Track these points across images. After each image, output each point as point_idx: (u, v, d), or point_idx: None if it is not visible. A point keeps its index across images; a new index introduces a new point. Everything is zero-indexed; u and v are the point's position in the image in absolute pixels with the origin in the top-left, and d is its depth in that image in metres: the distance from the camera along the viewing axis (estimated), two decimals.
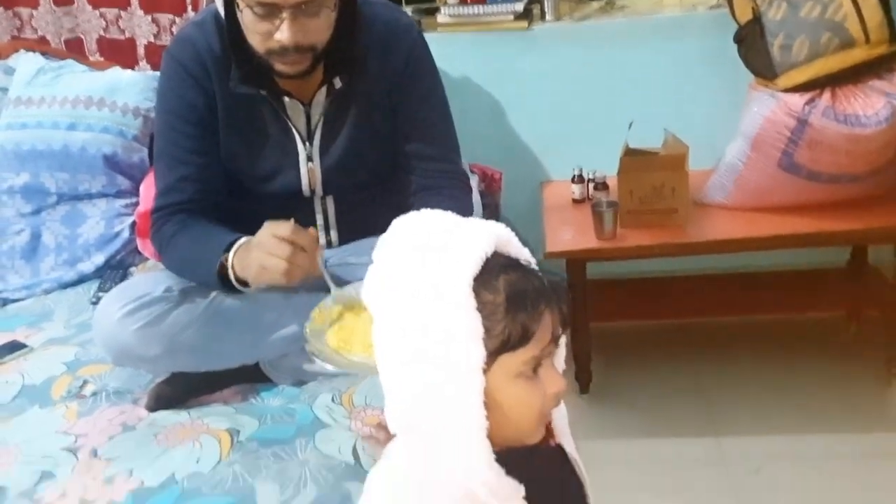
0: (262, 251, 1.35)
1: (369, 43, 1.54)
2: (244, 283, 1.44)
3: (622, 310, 2.49)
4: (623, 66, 2.50)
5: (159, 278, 1.52)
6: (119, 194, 2.12)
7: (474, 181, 2.37)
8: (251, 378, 1.60)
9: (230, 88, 1.50)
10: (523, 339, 0.83)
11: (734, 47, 2.32)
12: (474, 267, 0.82)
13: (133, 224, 2.11)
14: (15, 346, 1.78)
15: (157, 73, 2.19)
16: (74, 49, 2.54)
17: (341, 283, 1.48)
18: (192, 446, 1.39)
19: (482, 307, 0.81)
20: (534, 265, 0.89)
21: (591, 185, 2.44)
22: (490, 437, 0.83)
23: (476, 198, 2.26)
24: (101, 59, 2.53)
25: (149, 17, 2.46)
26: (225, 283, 1.43)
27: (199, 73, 1.51)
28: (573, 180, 2.46)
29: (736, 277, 2.52)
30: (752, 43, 2.24)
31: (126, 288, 1.51)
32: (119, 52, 2.52)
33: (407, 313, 0.82)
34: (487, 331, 0.81)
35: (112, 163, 2.10)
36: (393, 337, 0.83)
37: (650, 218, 2.23)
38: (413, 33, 1.59)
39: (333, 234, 1.67)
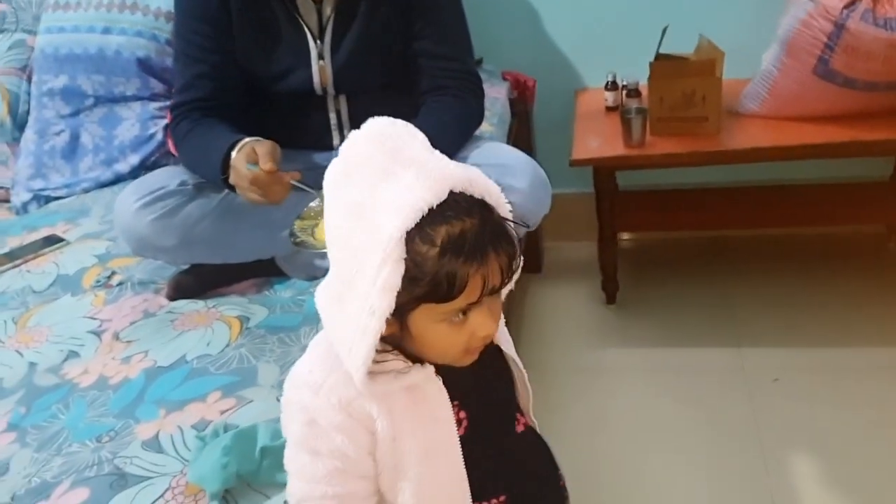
0: (239, 185, 1.41)
1: None
2: None
3: (652, 221, 2.47)
4: None
5: (175, 172, 1.58)
6: (153, 97, 2.18)
7: (504, 88, 2.36)
8: (267, 272, 1.66)
9: None
10: (447, 294, 0.82)
11: None
12: (409, 220, 0.80)
13: (166, 126, 2.16)
14: (53, 240, 1.88)
15: None
16: None
17: None
18: (204, 331, 1.47)
19: (412, 256, 0.80)
20: (502, 204, 0.87)
21: (623, 92, 2.40)
22: (414, 352, 0.87)
23: (505, 104, 2.26)
24: None
25: None
26: (228, 184, 1.48)
27: None
28: (606, 87, 2.43)
29: (770, 189, 2.47)
30: None
31: (143, 181, 1.58)
32: None
33: (348, 231, 0.83)
34: (414, 280, 0.80)
35: (145, 66, 2.15)
36: (336, 237, 0.85)
37: (680, 126, 2.19)
38: None
39: (347, 134, 1.69)
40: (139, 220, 1.50)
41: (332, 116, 1.67)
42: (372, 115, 1.64)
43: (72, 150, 2.15)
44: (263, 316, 1.51)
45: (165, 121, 2.17)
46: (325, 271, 1.60)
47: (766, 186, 2.49)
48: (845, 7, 2.03)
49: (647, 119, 2.18)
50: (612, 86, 2.42)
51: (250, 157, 1.39)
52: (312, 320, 1.47)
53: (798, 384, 2.03)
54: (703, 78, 2.14)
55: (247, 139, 1.46)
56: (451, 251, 0.80)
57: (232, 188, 1.47)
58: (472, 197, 0.85)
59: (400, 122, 0.90)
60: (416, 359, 0.90)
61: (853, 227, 2.56)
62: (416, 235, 0.80)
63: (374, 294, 0.80)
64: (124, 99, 2.16)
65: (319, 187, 1.53)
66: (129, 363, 1.42)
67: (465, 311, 0.85)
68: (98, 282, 1.69)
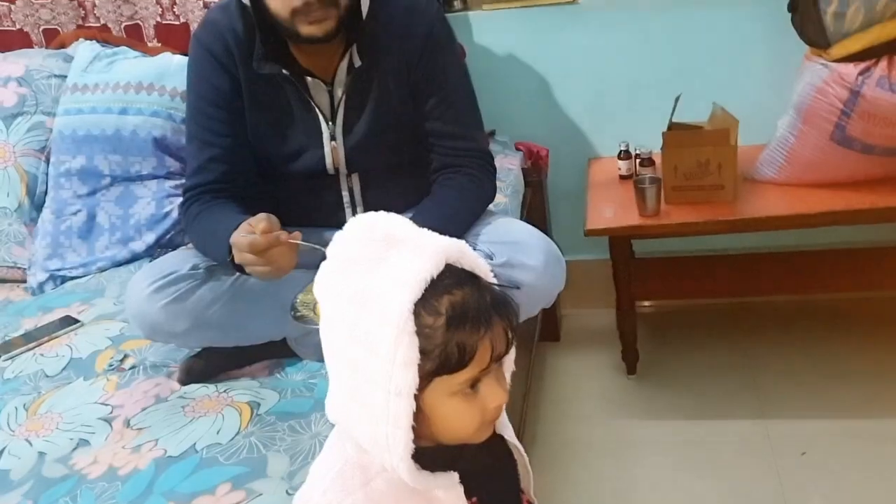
0: (243, 260, 1.39)
1: (389, 20, 1.55)
2: None
3: (670, 289, 2.44)
4: (671, 38, 2.45)
5: (186, 256, 1.57)
6: (168, 175, 2.19)
7: (518, 159, 2.36)
8: (279, 353, 1.64)
9: (254, 69, 1.54)
10: (459, 363, 0.83)
11: (788, 16, 2.23)
12: (416, 292, 0.81)
13: (182, 204, 2.17)
14: (68, 322, 1.88)
15: None
16: (134, 35, 2.63)
17: None
18: (215, 418, 1.45)
19: (420, 330, 0.81)
20: (489, 276, 0.88)
21: (637, 161, 2.40)
22: (426, 437, 0.86)
23: (518, 175, 2.26)
24: (159, 44, 2.62)
25: (201, 2, 2.52)
26: (236, 264, 1.47)
27: (224, 55, 1.55)
28: (619, 156, 2.42)
29: (789, 255, 2.44)
30: (805, 11, 2.15)
31: (155, 265, 1.57)
32: (175, 37, 2.59)
33: (352, 321, 0.83)
34: (424, 353, 0.81)
35: (162, 145, 2.17)
36: (337, 337, 0.85)
37: (695, 194, 2.18)
38: (432, 11, 1.59)
39: (360, 212, 1.69)
40: (151, 304, 1.49)
41: (345, 195, 1.67)
42: (384, 192, 1.68)
43: (88, 229, 2.16)
44: (274, 401, 1.48)
45: (180, 199, 2.18)
46: None
47: (784, 252, 2.46)
48: (860, 73, 2.02)
49: (662, 188, 2.17)
50: (626, 155, 2.41)
51: (246, 229, 1.39)
52: (323, 405, 1.43)
53: (826, 456, 1.97)
54: (717, 147, 2.13)
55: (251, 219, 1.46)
56: (457, 320, 0.83)
57: (241, 269, 1.46)
58: (462, 269, 0.87)
59: (382, 212, 0.91)
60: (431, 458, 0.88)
61: (873, 293, 2.51)
62: (421, 308, 0.82)
63: (396, 373, 0.81)
64: (140, 178, 2.18)
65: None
66: (139, 452, 1.39)
67: (474, 384, 0.86)
68: (111, 365, 1.68)
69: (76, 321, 1.88)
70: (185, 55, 2.40)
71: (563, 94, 2.58)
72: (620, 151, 2.42)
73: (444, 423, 0.87)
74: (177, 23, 2.60)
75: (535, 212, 2.43)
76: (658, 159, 2.30)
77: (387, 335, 0.81)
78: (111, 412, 1.53)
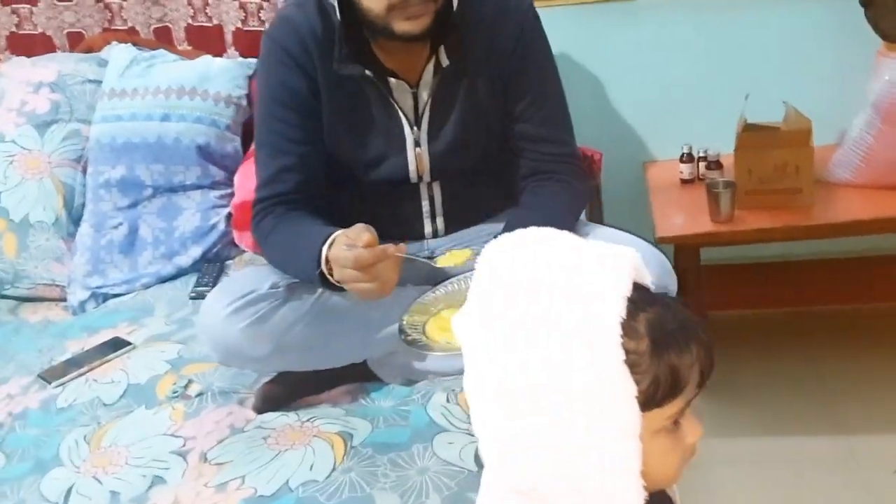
0: (345, 277, 1.27)
1: (479, 18, 1.44)
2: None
3: (741, 298, 2.33)
4: (733, 35, 2.34)
5: (264, 274, 1.45)
6: (213, 185, 2.07)
7: None
8: (359, 377, 1.53)
9: (334, 70, 1.42)
10: (673, 390, 0.72)
11: (858, 10, 2.14)
12: (620, 311, 0.70)
13: (229, 216, 2.05)
14: (119, 344, 1.75)
15: (249, 61, 2.18)
16: (162, 38, 2.50)
17: (443, 275, 1.40)
18: (304, 451, 1.33)
19: (626, 359, 0.70)
20: (670, 291, 0.78)
21: (701, 164, 2.29)
22: None
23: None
24: (189, 47, 2.49)
25: (236, 3, 2.40)
26: (325, 281, 1.35)
27: (301, 55, 1.43)
28: (682, 159, 2.31)
29: (861, 261, 2.33)
30: (881, 4, 2.05)
31: (231, 284, 1.45)
32: (207, 40, 2.47)
33: (535, 353, 0.71)
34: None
35: (206, 153, 2.05)
36: (506, 373, 0.72)
37: (771, 199, 2.07)
38: (525, 8, 1.48)
39: (440, 222, 1.58)
40: (230, 327, 1.37)
41: (425, 204, 1.56)
42: (467, 201, 1.56)
43: (130, 243, 2.03)
44: (367, 431, 1.36)
45: (227, 210, 2.07)
46: (424, 375, 1.49)
47: (855, 258, 2.36)
48: None
49: (736, 192, 2.06)
50: (688, 158, 2.30)
51: (345, 243, 1.26)
52: (423, 436, 1.32)
53: None
54: (795, 148, 2.03)
55: (338, 231, 1.34)
56: (663, 342, 0.72)
57: (328, 285, 1.34)
58: (642, 283, 0.76)
59: (532, 227, 0.80)
60: None
61: None
62: (623, 335, 0.70)
63: (616, 411, 0.69)
64: (183, 188, 2.06)
65: (417, 283, 1.43)
66: (226, 491, 1.27)
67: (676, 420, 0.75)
68: (175, 392, 1.55)
69: (127, 343, 1.76)
70: (222, 57, 2.31)
71: (616, 96, 2.47)
72: (683, 154, 2.31)
73: (650, 468, 0.74)
74: (209, 24, 2.47)
75: (590, 218, 2.31)
76: (727, 162, 2.20)
77: (596, 366, 0.69)
78: (183, 445, 1.41)
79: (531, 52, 1.49)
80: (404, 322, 1.24)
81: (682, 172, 2.32)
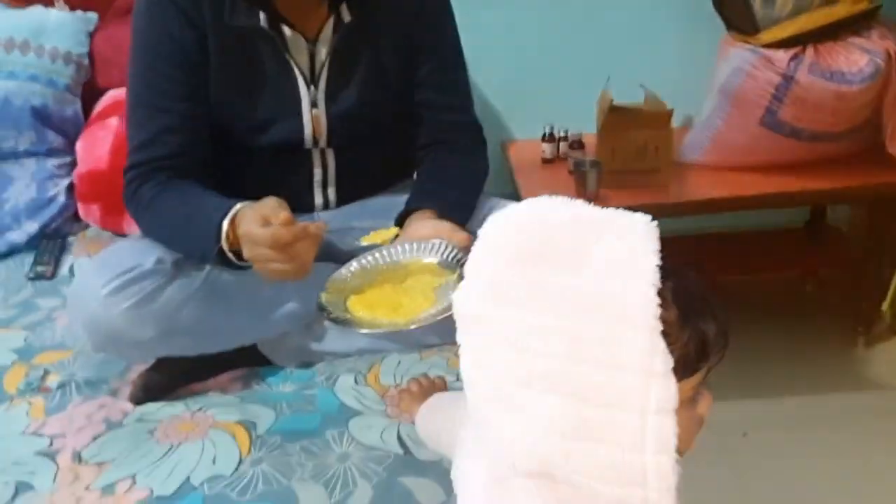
0: (258, 256, 1.13)
1: None
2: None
3: None
4: (589, 17, 2.39)
5: (146, 248, 1.28)
6: (50, 153, 1.84)
7: None
8: (249, 361, 1.40)
9: (224, 21, 1.28)
10: (699, 360, 0.70)
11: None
12: (654, 281, 0.65)
13: (70, 186, 1.83)
14: None
15: (88, 15, 1.95)
16: None
17: (343, 252, 1.31)
18: (202, 444, 1.19)
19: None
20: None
21: (562, 144, 2.32)
22: None
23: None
24: None
25: None
26: (222, 257, 1.21)
27: (189, 3, 1.28)
28: (543, 139, 2.33)
29: (696, 238, 2.47)
30: None
31: (108, 259, 1.27)
32: None
33: (563, 332, 0.66)
34: None
35: (42, 116, 1.81)
36: (526, 357, 0.67)
37: (633, 178, 2.14)
38: None
39: (332, 193, 1.48)
40: (110, 309, 1.20)
41: (317, 172, 1.44)
42: (361, 170, 1.47)
43: None
44: (271, 419, 1.25)
45: (68, 180, 1.84)
46: (321, 356, 1.39)
47: (691, 236, 2.48)
48: (791, 59, 2.06)
49: (601, 172, 2.10)
50: (550, 138, 2.33)
51: (257, 220, 1.14)
52: (336, 421, 1.23)
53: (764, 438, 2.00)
54: (657, 130, 2.10)
55: (240, 204, 1.21)
56: (690, 310, 0.69)
57: (228, 264, 1.21)
58: None
59: (543, 196, 0.74)
60: None
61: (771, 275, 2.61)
62: None
63: (654, 386, 0.64)
64: (14, 155, 1.81)
65: None
66: (114, 494, 1.11)
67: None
68: (28, 385, 1.35)
69: None
70: (54, 7, 2.04)
71: (474, 76, 2.43)
72: (544, 134, 2.33)
73: None
74: None
75: None
76: (588, 142, 2.24)
77: (637, 341, 0.65)
78: (50, 444, 1.23)
79: (437, 15, 1.42)
80: (323, 300, 1.14)
81: (544, 152, 2.34)
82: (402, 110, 1.45)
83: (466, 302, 0.71)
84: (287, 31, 1.31)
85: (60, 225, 1.81)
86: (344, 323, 1.09)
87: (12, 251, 1.76)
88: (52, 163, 1.83)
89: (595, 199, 2.10)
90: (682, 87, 2.33)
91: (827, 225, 2.55)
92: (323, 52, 1.35)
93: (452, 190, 1.39)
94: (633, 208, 2.08)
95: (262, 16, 1.29)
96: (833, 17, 2.06)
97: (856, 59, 2.05)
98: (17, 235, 1.77)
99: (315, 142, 1.40)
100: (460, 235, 1.18)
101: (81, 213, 1.81)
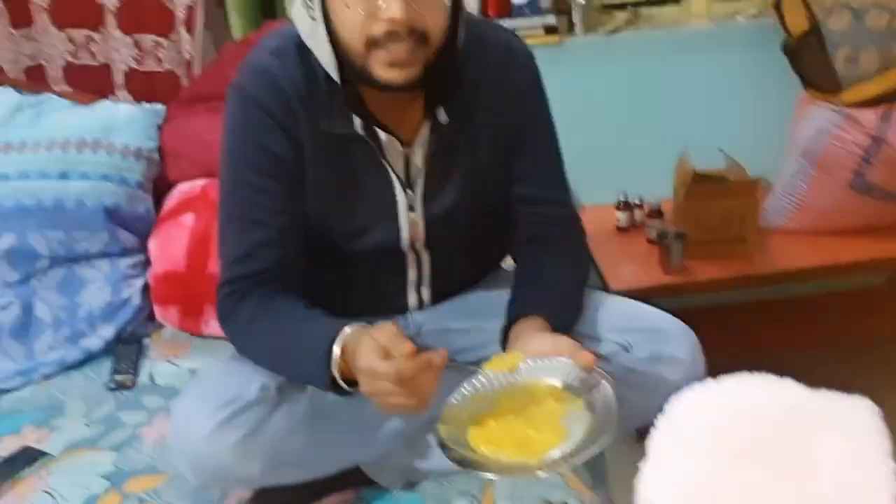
0: (379, 391, 1.06)
1: (482, 71, 1.28)
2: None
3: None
4: (657, 81, 2.34)
5: (246, 373, 1.21)
6: (124, 253, 1.78)
7: None
8: (353, 483, 1.32)
9: (320, 129, 1.22)
10: None
11: (776, 59, 2.17)
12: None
13: (144, 287, 1.77)
14: (32, 455, 1.44)
15: (156, 107, 1.91)
16: (34, 78, 2.17)
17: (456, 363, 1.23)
18: None
19: None
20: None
21: (637, 211, 2.25)
22: None
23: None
24: (68, 88, 2.17)
25: (129, 39, 2.11)
26: (331, 384, 1.14)
27: (284, 114, 1.22)
28: (618, 207, 2.26)
29: (801, 303, 2.35)
30: (808, 55, 2.10)
31: (207, 388, 1.20)
32: (91, 81, 2.16)
33: None
34: None
35: (114, 216, 1.76)
36: None
37: (717, 248, 2.06)
38: (529, 62, 1.34)
39: (425, 293, 1.41)
40: (217, 445, 1.13)
41: (411, 273, 1.38)
42: (454, 269, 1.40)
43: (23, 326, 1.71)
44: None
45: (142, 280, 1.79)
46: (425, 475, 1.31)
47: (801, 299, 2.36)
48: (881, 119, 1.97)
49: (686, 243, 2.02)
50: (625, 205, 2.25)
51: (375, 350, 1.06)
52: None
53: None
54: (742, 198, 2.03)
55: (348, 328, 1.14)
56: None
57: (341, 391, 1.14)
58: None
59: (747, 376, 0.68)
60: None
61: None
62: None
63: None
64: (87, 258, 1.76)
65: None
66: None
67: None
68: None
69: (42, 453, 1.45)
70: (110, 99, 2.01)
71: None
72: (619, 202, 2.26)
73: None
74: (94, 63, 2.17)
75: None
76: (668, 210, 2.17)
77: None
78: None
79: (536, 108, 1.35)
80: (443, 434, 1.06)
81: (618, 220, 2.27)
82: (498, 206, 1.38)
83: (661, 500, 0.63)
84: (382, 135, 1.25)
85: (136, 328, 1.75)
86: (469, 465, 1.01)
87: (88, 358, 1.70)
88: (125, 263, 1.77)
89: (681, 270, 2.02)
90: (757, 147, 2.25)
91: None
92: (419, 155, 1.29)
93: (559, 292, 1.31)
94: (722, 281, 2.01)
95: (357, 121, 1.23)
96: None
97: None
98: (93, 342, 1.71)
99: (411, 244, 1.33)
100: (584, 356, 1.10)
101: (158, 315, 1.75)
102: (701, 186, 2.01)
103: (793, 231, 2.15)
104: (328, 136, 1.24)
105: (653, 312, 1.33)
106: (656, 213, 2.17)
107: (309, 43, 1.20)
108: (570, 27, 2.31)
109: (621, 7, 2.42)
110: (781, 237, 2.14)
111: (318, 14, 1.14)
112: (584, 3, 2.29)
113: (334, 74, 1.18)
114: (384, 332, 1.08)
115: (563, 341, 1.14)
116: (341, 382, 1.13)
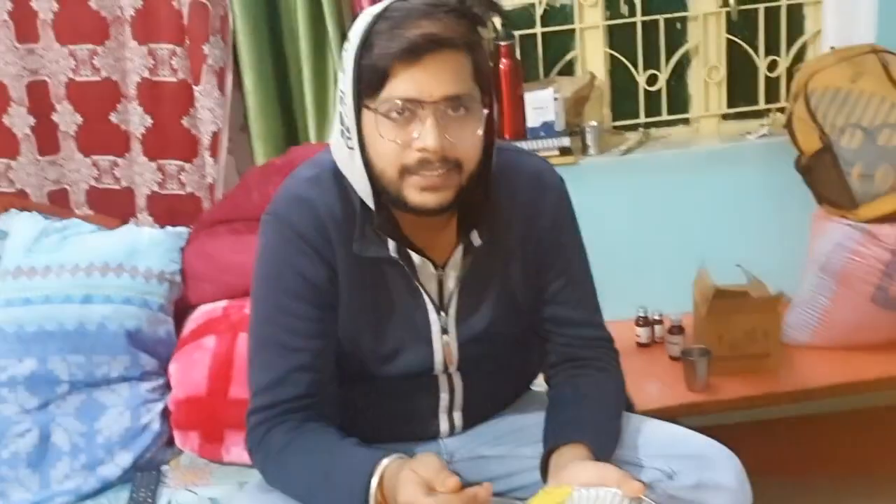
0: None
1: (513, 195, 1.30)
2: None
3: None
4: (672, 198, 2.36)
5: (274, 501, 1.17)
6: (144, 377, 1.76)
7: None
8: None
9: (354, 253, 1.22)
10: None
11: (788, 176, 2.21)
12: None
13: (163, 411, 1.74)
14: None
15: (179, 230, 1.92)
16: (57, 202, 2.20)
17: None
18: None
19: None
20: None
21: (656, 327, 2.23)
22: None
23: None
24: (90, 212, 2.20)
25: (153, 165, 2.15)
26: None
27: (320, 241, 1.22)
28: (637, 323, 2.25)
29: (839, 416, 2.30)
30: (823, 172, 2.13)
31: None
32: (114, 204, 2.20)
33: None
34: None
35: (136, 339, 1.75)
36: None
37: (741, 364, 2.04)
38: (559, 185, 1.36)
39: (458, 417, 1.38)
40: None
41: (444, 397, 1.35)
42: (486, 391, 1.37)
43: (40, 454, 1.67)
44: None
45: (161, 405, 1.75)
46: None
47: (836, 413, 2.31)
48: None
49: (711, 360, 2.00)
50: (644, 321, 2.24)
51: (419, 483, 1.03)
52: None
53: None
54: (764, 314, 2.02)
55: (386, 459, 1.11)
56: None
57: None
58: None
59: None
60: None
61: None
62: None
63: None
64: (107, 382, 1.73)
65: None
66: None
67: None
68: None
69: None
70: (132, 223, 2.03)
71: None
72: (638, 318, 2.25)
73: None
74: (117, 187, 2.21)
75: None
76: (688, 325, 2.16)
77: None
78: None
79: (566, 231, 1.36)
80: None
81: (638, 336, 2.25)
82: (530, 328, 1.37)
83: None
84: (416, 258, 1.25)
85: (155, 454, 1.71)
86: None
87: (104, 487, 1.65)
88: (145, 387, 1.75)
89: (706, 388, 1.99)
90: (773, 263, 2.26)
91: None
92: (452, 278, 1.29)
93: (599, 417, 1.29)
94: (748, 399, 1.98)
95: (391, 245, 1.23)
96: None
97: None
98: (110, 469, 1.66)
99: (444, 367, 1.32)
100: (633, 485, 1.07)
101: (178, 441, 1.71)
102: (723, 301, 2.01)
103: (816, 346, 2.13)
104: (362, 261, 1.24)
105: (695, 437, 1.30)
106: (677, 328, 2.16)
107: (345, 171, 1.22)
108: (584, 148, 2.35)
109: (632, 128, 2.48)
110: (805, 353, 2.13)
111: (354, 143, 1.16)
112: (596, 125, 2.34)
113: (369, 201, 1.19)
114: (426, 464, 1.05)
115: (610, 470, 1.11)
116: None
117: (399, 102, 1.11)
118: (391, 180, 1.15)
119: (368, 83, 1.12)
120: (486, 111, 1.16)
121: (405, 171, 1.14)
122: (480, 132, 1.17)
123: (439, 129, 1.11)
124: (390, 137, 1.12)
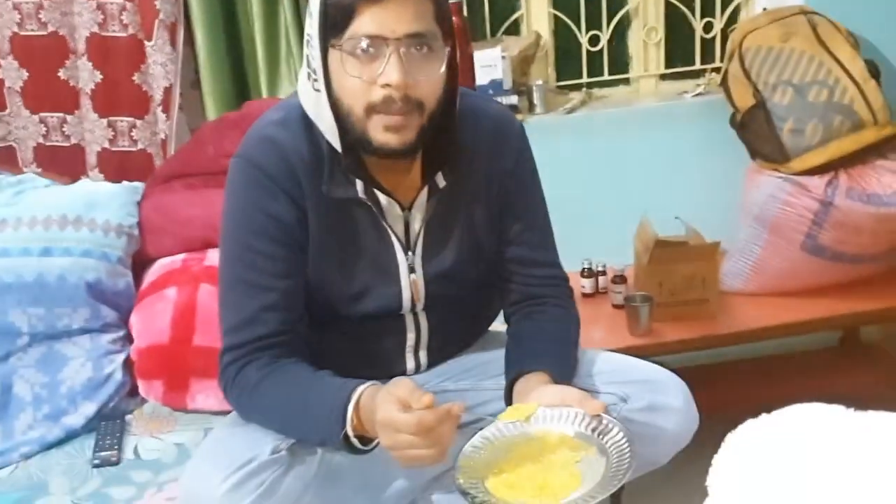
0: (399, 443, 1.09)
1: (476, 139, 1.36)
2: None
3: None
4: (614, 155, 2.45)
5: (257, 435, 1.22)
6: (105, 328, 1.77)
7: None
8: None
9: (322, 194, 1.27)
10: None
11: (723, 132, 2.32)
12: None
13: (125, 362, 1.76)
14: None
15: (136, 185, 1.93)
16: (4, 160, 2.18)
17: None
18: None
19: None
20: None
21: (601, 278, 2.33)
22: None
23: None
24: (38, 170, 2.18)
25: (104, 121, 2.14)
26: (345, 443, 1.17)
27: (289, 182, 1.26)
28: (583, 274, 2.34)
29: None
30: (756, 128, 2.24)
31: (220, 451, 1.21)
32: (63, 162, 2.19)
33: None
34: None
35: (96, 292, 1.76)
36: None
37: (681, 310, 2.14)
38: (519, 130, 1.42)
39: (423, 356, 1.44)
40: None
41: (410, 336, 1.41)
42: (450, 331, 1.44)
43: (3, 405, 1.68)
44: None
45: (123, 355, 1.77)
46: None
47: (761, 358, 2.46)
48: (827, 185, 2.11)
49: (653, 306, 2.10)
50: (589, 272, 2.33)
51: (394, 403, 1.09)
52: None
53: None
54: (703, 262, 2.12)
55: (362, 386, 1.17)
56: None
57: (351, 449, 1.16)
58: None
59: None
60: None
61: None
62: None
63: None
64: (68, 334, 1.74)
65: None
66: None
67: None
68: None
69: None
70: (75, 180, 2.01)
71: None
72: (583, 269, 2.34)
73: None
74: (66, 144, 2.20)
75: None
76: (630, 277, 2.26)
77: None
78: None
79: (527, 174, 1.43)
80: (462, 483, 1.08)
81: (584, 287, 2.34)
82: (492, 268, 1.44)
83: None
84: (383, 198, 1.30)
85: (118, 403, 1.73)
86: None
87: (70, 436, 1.67)
88: (106, 338, 1.76)
89: (648, 333, 2.09)
90: (710, 214, 2.37)
91: (861, 342, 2.56)
92: (418, 219, 1.34)
93: (558, 347, 1.37)
94: (687, 341, 2.09)
95: (359, 185, 1.28)
96: (862, 142, 2.14)
97: (888, 181, 2.12)
98: (75, 419, 1.68)
99: (411, 307, 1.37)
100: (594, 403, 1.15)
101: (142, 390, 1.73)
102: (663, 250, 2.11)
103: (751, 293, 2.25)
104: (330, 202, 1.28)
105: (645, 365, 1.39)
106: (620, 278, 2.25)
107: (312, 113, 1.26)
108: (531, 107, 2.42)
109: (575, 88, 2.56)
110: (741, 299, 2.24)
111: (321, 84, 1.20)
112: (542, 83, 2.41)
113: (336, 141, 1.23)
114: (401, 386, 1.11)
115: (571, 391, 1.19)
116: (355, 441, 1.15)
117: (364, 40, 1.15)
118: (358, 118, 1.20)
119: (334, 22, 1.16)
120: (447, 49, 1.21)
121: (371, 109, 1.19)
122: (443, 70, 1.21)
123: (402, 66, 1.15)
124: (355, 74, 1.17)
